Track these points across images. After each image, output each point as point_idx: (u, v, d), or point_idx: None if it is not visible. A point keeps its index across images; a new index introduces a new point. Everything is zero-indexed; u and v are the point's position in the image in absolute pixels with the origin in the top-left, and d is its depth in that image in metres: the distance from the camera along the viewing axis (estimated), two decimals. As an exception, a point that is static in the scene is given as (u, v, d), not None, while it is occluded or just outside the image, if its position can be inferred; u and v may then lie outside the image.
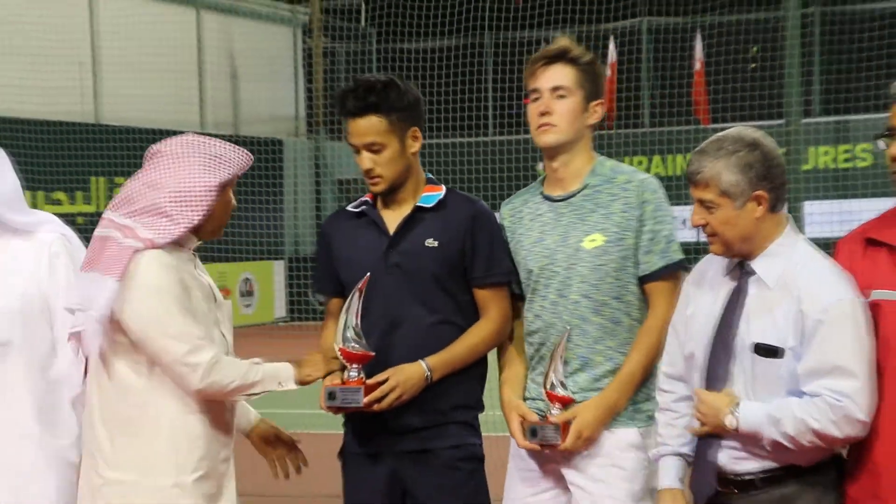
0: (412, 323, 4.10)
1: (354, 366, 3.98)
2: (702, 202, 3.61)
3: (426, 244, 4.09)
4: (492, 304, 4.14)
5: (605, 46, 20.12)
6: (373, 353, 3.99)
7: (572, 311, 4.04)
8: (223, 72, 21.99)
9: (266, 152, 20.43)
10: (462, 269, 4.11)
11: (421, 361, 4.02)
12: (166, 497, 3.82)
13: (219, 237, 4.08)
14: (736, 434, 3.53)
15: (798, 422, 3.46)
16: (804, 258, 3.60)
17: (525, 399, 4.15)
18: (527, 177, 19.52)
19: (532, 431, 4.01)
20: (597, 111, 4.10)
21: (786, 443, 3.48)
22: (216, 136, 4.37)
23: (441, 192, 4.18)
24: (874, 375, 3.47)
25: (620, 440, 4.03)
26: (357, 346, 3.96)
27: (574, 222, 4.08)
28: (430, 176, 4.24)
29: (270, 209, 20.86)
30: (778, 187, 3.60)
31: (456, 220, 4.13)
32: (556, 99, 4.05)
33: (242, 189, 20.89)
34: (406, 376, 4.00)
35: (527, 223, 4.17)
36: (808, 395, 3.49)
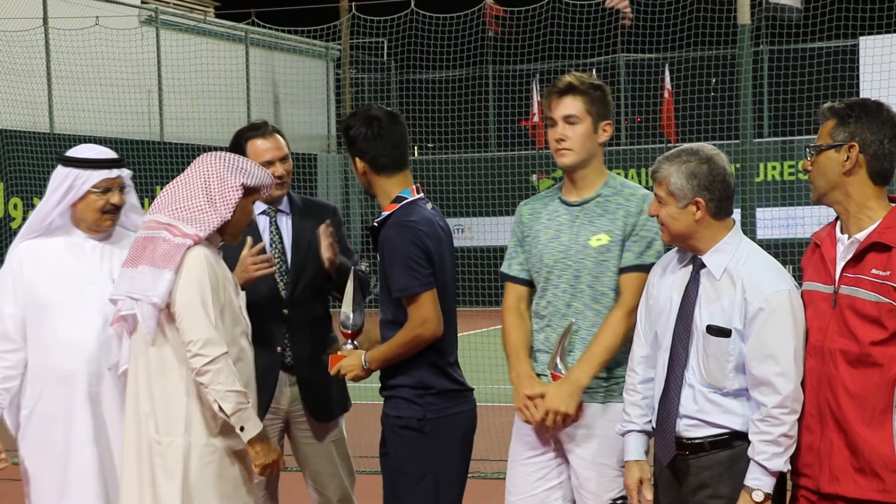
0: (383, 317, 4.19)
1: (350, 341, 4.22)
2: (657, 197, 3.68)
3: (378, 259, 4.18)
4: (409, 311, 4.05)
5: (589, 77, 20.10)
6: (354, 332, 4.22)
7: (579, 299, 4.02)
8: (267, 98, 21.96)
9: (303, 166, 20.42)
10: None
11: (363, 353, 4.14)
12: (206, 452, 3.87)
13: (236, 242, 4.13)
14: (769, 497, 3.49)
15: (776, 440, 3.47)
16: (746, 255, 3.62)
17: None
18: (522, 187, 19.69)
19: None
20: (606, 130, 4.07)
21: (790, 451, 3.49)
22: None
23: (388, 212, 4.12)
24: (802, 352, 3.51)
25: (609, 413, 4.01)
26: (345, 328, 4.22)
27: (585, 224, 4.05)
28: (402, 195, 4.14)
29: (306, 213, 20.76)
30: (718, 199, 3.61)
31: (380, 243, 4.11)
32: (569, 126, 4.04)
33: (285, 197, 20.10)
34: (349, 361, 4.16)
35: (544, 222, 4.12)
36: (755, 404, 3.52)
